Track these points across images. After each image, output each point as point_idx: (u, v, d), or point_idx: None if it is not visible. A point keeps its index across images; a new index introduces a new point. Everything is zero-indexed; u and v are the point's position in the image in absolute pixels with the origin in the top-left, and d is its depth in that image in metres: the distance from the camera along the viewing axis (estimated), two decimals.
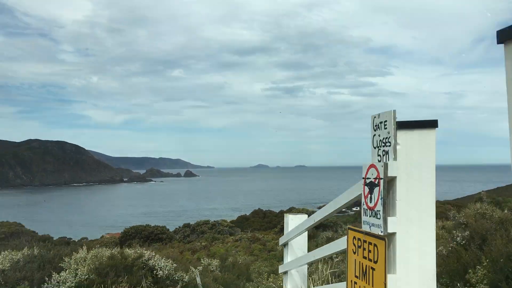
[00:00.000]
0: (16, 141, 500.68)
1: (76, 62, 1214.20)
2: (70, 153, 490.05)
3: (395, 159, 2.88)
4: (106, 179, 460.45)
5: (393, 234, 2.88)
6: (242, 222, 53.79)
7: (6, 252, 10.65)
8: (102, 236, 68.25)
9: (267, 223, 49.99)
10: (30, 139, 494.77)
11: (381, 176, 2.89)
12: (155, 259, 9.66)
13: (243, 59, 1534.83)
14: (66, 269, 9.00)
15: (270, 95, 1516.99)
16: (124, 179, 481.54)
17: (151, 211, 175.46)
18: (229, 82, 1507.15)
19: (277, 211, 63.92)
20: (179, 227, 42.84)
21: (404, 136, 2.92)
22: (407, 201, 2.90)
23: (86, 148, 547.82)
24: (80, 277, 8.69)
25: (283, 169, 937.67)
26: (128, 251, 10.30)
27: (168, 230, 25.27)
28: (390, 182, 2.93)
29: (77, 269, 8.94)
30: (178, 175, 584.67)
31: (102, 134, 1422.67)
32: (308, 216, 5.80)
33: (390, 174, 2.87)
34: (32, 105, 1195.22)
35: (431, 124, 2.97)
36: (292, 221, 6.16)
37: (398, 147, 2.89)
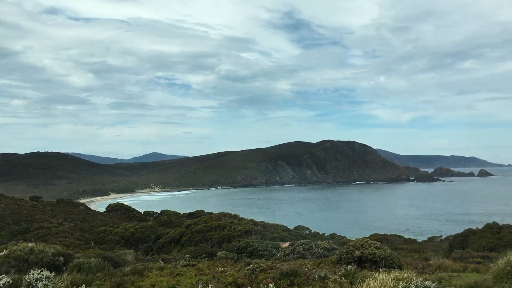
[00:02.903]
0: (313, 142, 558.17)
1: (364, 64, 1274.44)
2: (359, 152, 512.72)
3: None
4: (393, 177, 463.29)
5: None
6: (467, 236, 45.54)
7: None
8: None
9: (498, 240, 40.57)
10: (324, 140, 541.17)
11: None
12: None
13: None
14: None
15: None
16: (411, 178, 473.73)
17: (431, 213, 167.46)
18: None
19: None
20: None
21: None
22: None
23: (374, 147, 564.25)
24: None
25: None
26: None
27: (271, 247, 23.07)
28: None
29: None
30: (470, 174, 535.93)
31: (390, 133, 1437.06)
32: None
33: None
34: (327, 109, 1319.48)
35: None
36: None
37: None
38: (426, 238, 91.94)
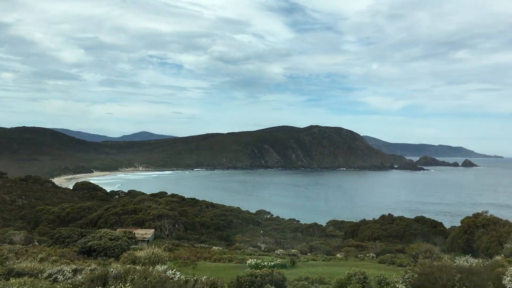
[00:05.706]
0: (301, 127, 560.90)
1: (358, 51, 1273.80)
2: (345, 138, 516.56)
3: None
4: (377, 165, 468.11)
5: None
6: (359, 225, 48.30)
7: None
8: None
9: (383, 231, 43.10)
10: (312, 125, 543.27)
11: None
12: None
13: None
14: None
15: None
16: (395, 166, 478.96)
17: (400, 201, 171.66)
18: None
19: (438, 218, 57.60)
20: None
21: None
22: None
23: (363, 134, 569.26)
24: None
25: None
26: None
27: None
28: None
29: None
30: (454, 164, 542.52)
31: (380, 120, 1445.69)
32: None
33: None
34: (318, 94, 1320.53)
35: None
36: None
37: None
38: None
